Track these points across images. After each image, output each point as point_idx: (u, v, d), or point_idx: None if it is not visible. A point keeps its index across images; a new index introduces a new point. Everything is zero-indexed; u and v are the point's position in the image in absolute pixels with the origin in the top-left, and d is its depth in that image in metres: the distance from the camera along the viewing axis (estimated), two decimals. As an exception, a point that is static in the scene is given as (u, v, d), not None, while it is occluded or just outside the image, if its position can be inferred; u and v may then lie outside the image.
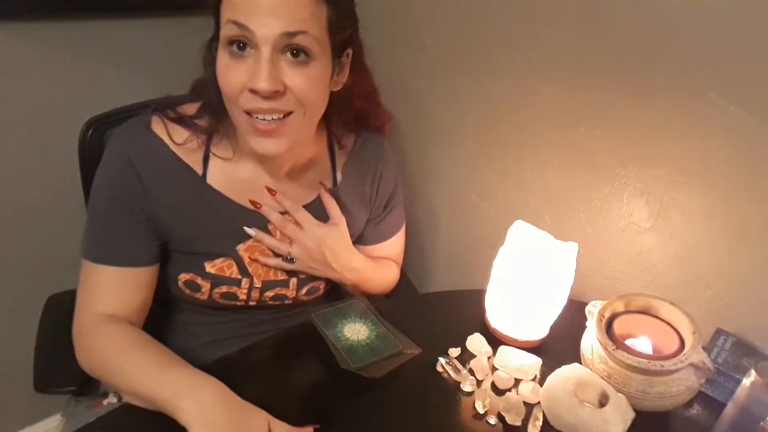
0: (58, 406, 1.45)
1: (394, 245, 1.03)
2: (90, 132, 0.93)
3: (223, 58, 0.69)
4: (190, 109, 0.80)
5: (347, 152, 0.92)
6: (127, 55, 1.22)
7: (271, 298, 0.89)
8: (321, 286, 0.93)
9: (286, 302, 0.91)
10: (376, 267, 0.99)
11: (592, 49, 0.88)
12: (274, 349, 0.83)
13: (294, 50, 0.68)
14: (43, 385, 0.84)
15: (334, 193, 0.89)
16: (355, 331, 0.84)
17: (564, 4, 0.89)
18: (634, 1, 0.81)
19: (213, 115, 0.78)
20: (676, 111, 0.81)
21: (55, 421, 1.50)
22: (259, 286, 0.86)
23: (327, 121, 0.87)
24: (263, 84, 0.66)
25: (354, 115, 0.89)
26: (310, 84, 0.70)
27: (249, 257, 0.84)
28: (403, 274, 1.18)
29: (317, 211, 0.87)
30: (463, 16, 1.06)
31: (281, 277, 0.88)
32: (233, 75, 0.68)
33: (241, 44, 0.67)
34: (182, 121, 0.78)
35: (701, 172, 0.82)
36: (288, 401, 0.73)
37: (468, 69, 1.09)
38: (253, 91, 0.67)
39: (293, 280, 0.89)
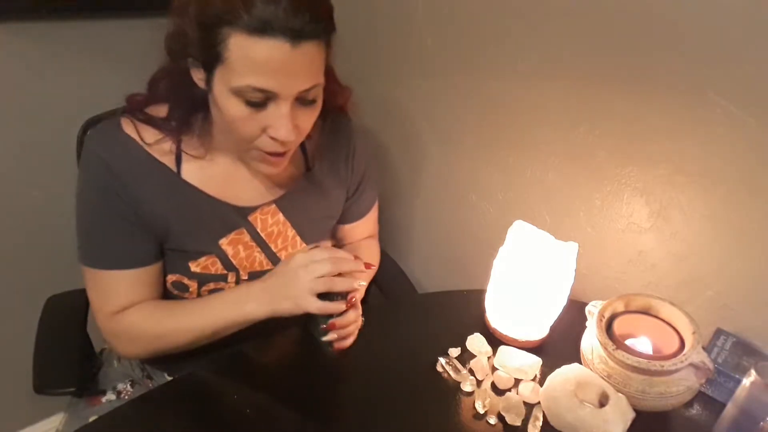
0: (59, 406, 1.44)
1: (371, 220, 1.08)
2: (90, 132, 0.93)
3: (237, 106, 0.70)
4: (158, 111, 0.80)
5: (317, 138, 0.92)
6: (127, 55, 1.22)
7: None
8: None
9: None
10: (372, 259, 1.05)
11: (593, 49, 0.88)
12: (265, 350, 0.84)
13: (307, 99, 0.72)
14: (42, 387, 0.84)
15: (309, 177, 0.90)
16: None
17: (564, 5, 0.89)
18: (634, 1, 0.81)
19: (182, 119, 0.79)
20: (676, 111, 0.81)
21: (55, 421, 1.50)
22: (246, 278, 0.87)
23: None
24: (287, 135, 0.71)
25: None
26: (313, 118, 0.76)
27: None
28: (403, 274, 1.18)
29: (291, 201, 0.89)
30: (463, 16, 1.06)
31: (267, 267, 0.88)
32: (252, 124, 0.71)
33: (261, 99, 0.70)
34: (151, 121, 0.79)
35: (701, 172, 0.82)
36: (285, 401, 0.73)
37: (468, 69, 1.09)
38: (273, 138, 0.72)
39: None
